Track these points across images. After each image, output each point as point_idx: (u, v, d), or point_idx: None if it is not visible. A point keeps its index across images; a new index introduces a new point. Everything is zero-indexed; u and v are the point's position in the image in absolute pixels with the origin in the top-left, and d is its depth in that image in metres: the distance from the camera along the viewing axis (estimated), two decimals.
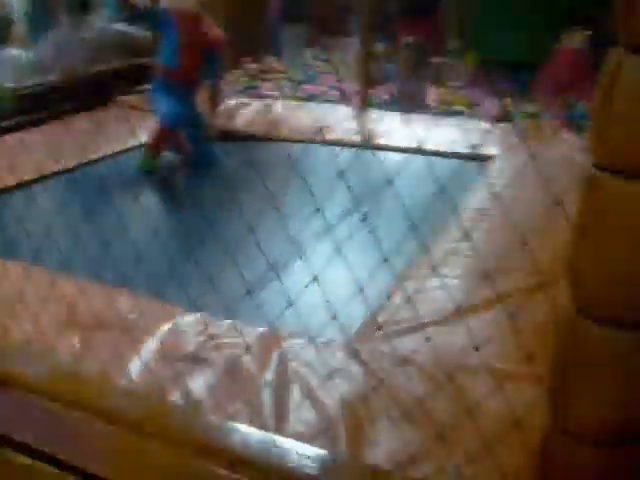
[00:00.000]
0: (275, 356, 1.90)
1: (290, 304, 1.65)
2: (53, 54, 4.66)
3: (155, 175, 3.70)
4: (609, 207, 1.10)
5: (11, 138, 3.89)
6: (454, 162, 3.38)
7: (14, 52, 4.82)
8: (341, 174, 1.40)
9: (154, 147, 3.71)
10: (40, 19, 6.00)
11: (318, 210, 1.51)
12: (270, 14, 6.53)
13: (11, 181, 3.31)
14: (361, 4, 4.61)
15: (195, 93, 3.89)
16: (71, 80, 4.53)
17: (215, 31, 3.83)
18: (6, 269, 2.38)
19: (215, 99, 3.97)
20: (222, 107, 4.17)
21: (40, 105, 4.20)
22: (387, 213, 2.56)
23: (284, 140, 4.00)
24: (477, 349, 1.54)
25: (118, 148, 3.89)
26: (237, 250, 1.96)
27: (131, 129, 3.71)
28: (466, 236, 2.01)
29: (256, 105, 4.60)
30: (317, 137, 3.87)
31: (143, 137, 3.71)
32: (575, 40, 5.09)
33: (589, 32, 5.03)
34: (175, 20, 3.67)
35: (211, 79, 3.91)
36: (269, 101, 4.71)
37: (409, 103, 4.32)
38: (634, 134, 1.04)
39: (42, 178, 3.46)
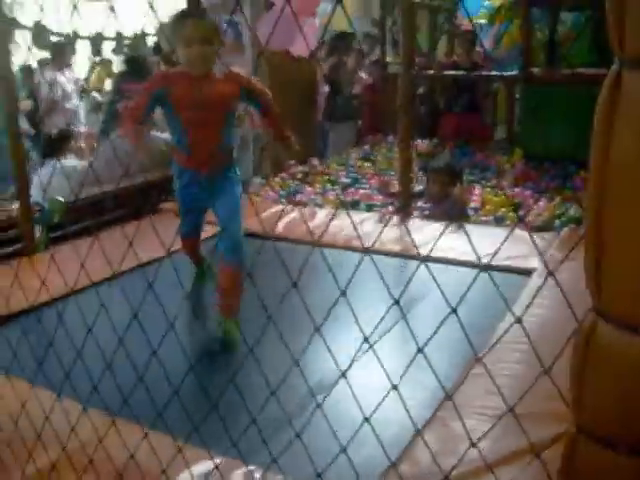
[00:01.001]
0: None
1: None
2: (103, 165, 4.84)
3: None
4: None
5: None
6: (494, 275, 3.27)
7: (69, 163, 5.03)
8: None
9: (194, 259, 3.57)
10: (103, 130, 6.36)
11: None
12: (318, 117, 6.66)
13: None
14: (403, 102, 4.61)
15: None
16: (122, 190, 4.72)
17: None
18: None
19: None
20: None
21: (88, 216, 4.31)
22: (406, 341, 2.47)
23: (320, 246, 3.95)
24: None
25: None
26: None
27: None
28: (491, 376, 1.90)
29: (296, 213, 4.62)
30: (354, 245, 3.85)
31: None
32: None
33: None
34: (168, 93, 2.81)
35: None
36: (310, 209, 4.74)
37: (446, 220, 4.24)
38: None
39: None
